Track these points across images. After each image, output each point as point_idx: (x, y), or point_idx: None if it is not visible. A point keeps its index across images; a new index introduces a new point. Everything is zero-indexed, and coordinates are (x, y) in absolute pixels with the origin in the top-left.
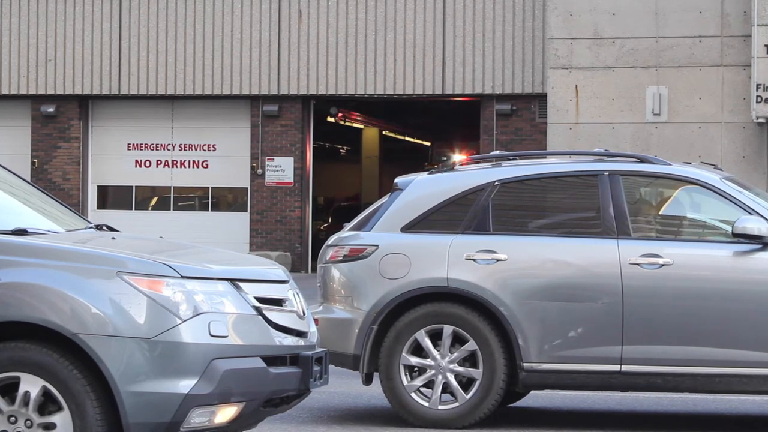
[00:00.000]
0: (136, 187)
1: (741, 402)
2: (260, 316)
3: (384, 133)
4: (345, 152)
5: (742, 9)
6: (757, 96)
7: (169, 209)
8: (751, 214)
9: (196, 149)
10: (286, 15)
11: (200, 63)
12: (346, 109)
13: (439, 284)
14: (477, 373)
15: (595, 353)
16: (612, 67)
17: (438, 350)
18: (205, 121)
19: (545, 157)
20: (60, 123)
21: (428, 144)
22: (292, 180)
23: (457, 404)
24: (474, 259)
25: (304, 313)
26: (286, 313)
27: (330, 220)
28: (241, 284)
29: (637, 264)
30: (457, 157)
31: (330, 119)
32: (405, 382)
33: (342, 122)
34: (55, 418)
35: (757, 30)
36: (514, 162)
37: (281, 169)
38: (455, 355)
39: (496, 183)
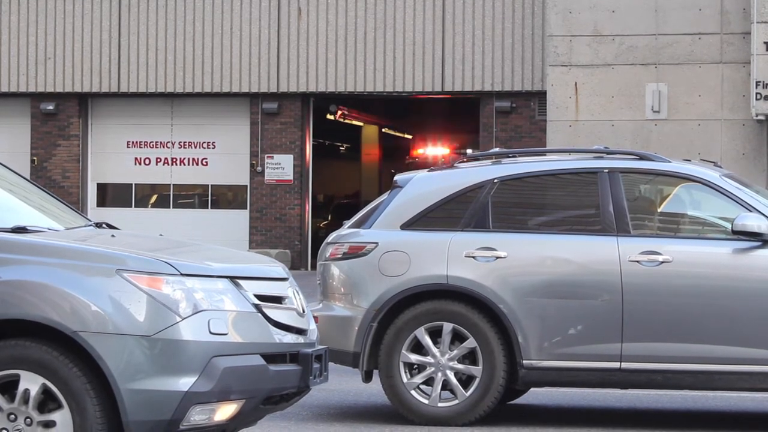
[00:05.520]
0: (135, 184)
1: (741, 399)
2: (260, 314)
3: (384, 130)
4: (344, 149)
5: (742, 6)
6: (756, 93)
7: (169, 207)
8: (750, 211)
9: (195, 147)
10: (285, 12)
11: (200, 60)
12: (346, 106)
13: (438, 282)
14: (477, 370)
15: (595, 350)
16: (612, 64)
17: (438, 348)
18: (204, 119)
19: (545, 155)
20: (59, 121)
21: (425, 141)
22: (291, 177)
23: (456, 401)
24: (473, 257)
25: (303, 311)
26: (286, 310)
27: (329, 218)
28: (240, 282)
29: (637, 261)
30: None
31: (329, 116)
32: (405, 380)
33: (341, 120)
34: (55, 416)
35: (757, 27)
36: (514, 159)
37: (281, 167)
38: (455, 352)
39: (495, 180)
